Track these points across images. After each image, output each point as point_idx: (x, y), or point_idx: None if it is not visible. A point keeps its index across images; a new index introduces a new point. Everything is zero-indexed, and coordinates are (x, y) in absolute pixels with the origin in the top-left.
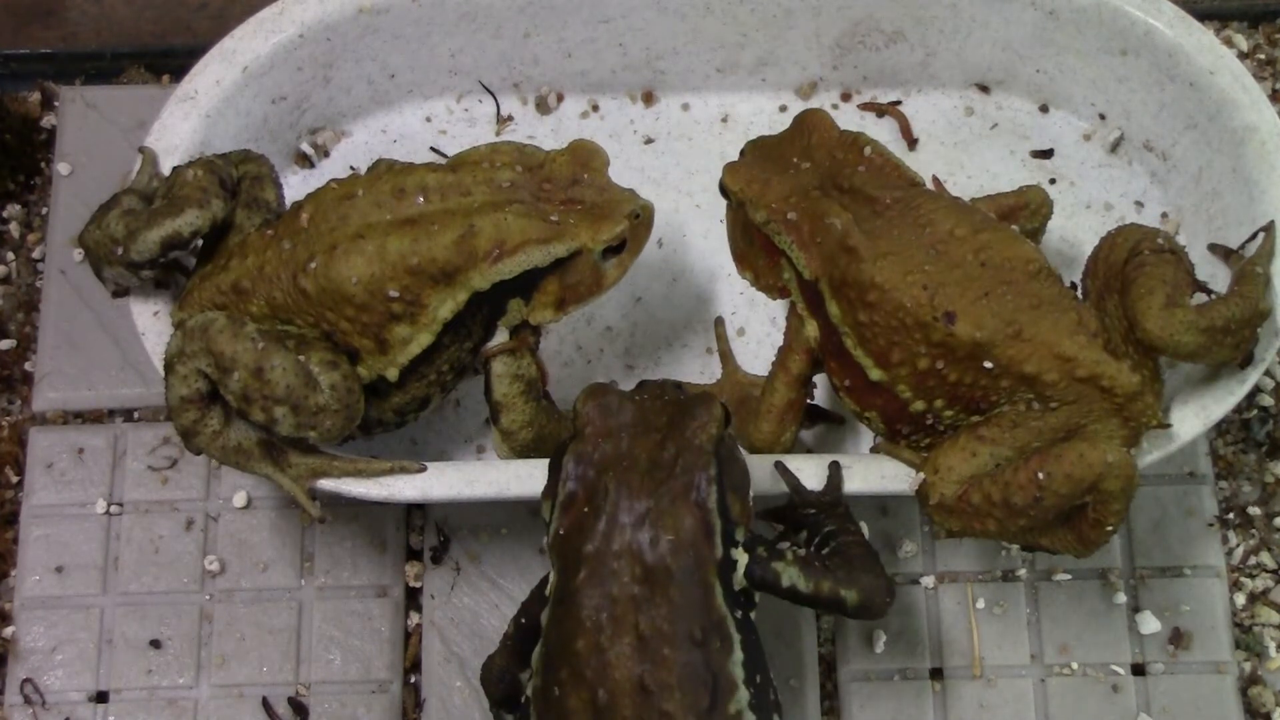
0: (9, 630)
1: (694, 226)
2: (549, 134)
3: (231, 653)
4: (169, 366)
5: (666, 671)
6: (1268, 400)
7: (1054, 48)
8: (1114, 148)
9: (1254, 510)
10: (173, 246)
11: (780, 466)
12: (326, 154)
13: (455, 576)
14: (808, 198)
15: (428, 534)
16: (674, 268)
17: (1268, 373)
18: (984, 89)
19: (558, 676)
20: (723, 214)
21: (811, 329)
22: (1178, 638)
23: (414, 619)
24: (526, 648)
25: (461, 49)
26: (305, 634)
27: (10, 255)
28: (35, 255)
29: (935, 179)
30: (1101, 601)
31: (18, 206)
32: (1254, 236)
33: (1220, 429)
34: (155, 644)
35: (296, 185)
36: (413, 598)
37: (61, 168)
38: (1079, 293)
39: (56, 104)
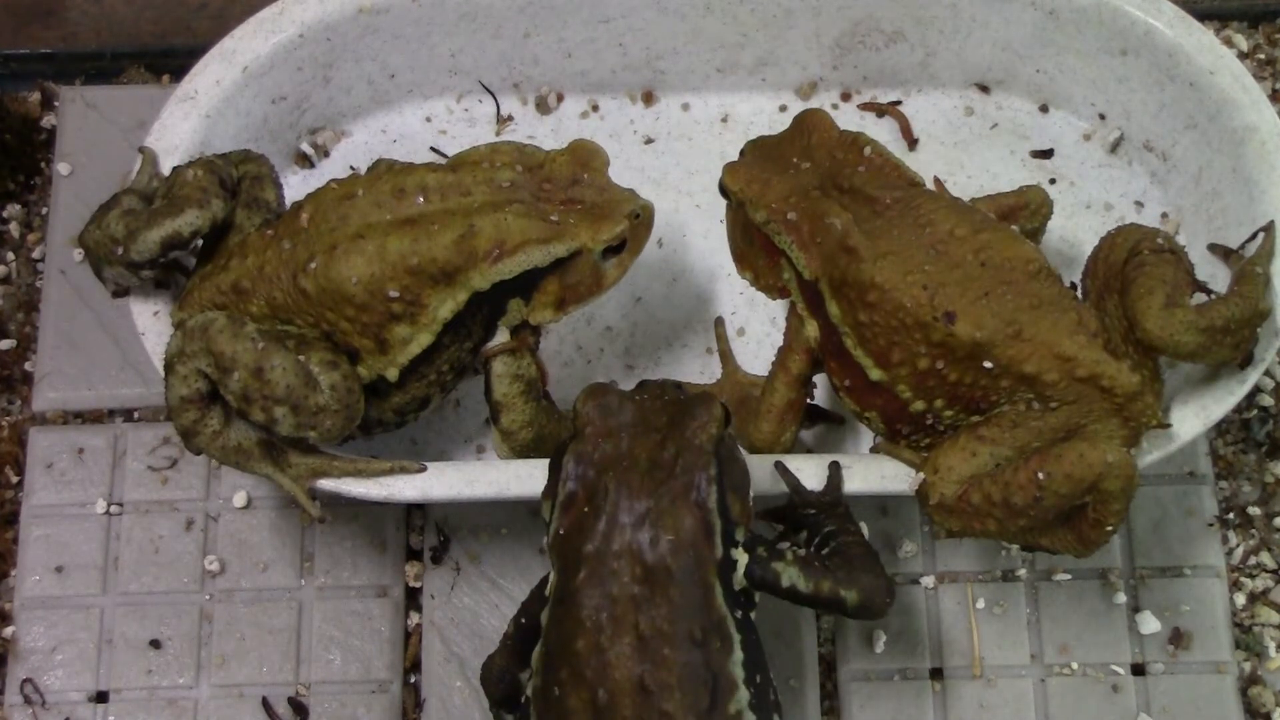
0: (9, 630)
1: (694, 226)
2: (549, 134)
3: (231, 653)
4: (169, 366)
5: (666, 671)
6: (1268, 400)
7: (1054, 48)
8: (1114, 148)
9: (1254, 510)
10: (173, 246)
11: (780, 466)
12: (326, 154)
13: (455, 576)
14: (808, 198)
15: (428, 534)
16: (674, 268)
17: (1268, 373)
18: (984, 89)
19: (558, 676)
20: (723, 214)
21: (811, 329)
22: (1178, 638)
23: (414, 619)
24: (526, 648)
25: (461, 49)
26: (305, 634)
27: (10, 255)
28: (35, 255)
29: (937, 180)
30: (1101, 601)
31: (18, 206)
32: (1254, 236)
33: (1220, 429)
34: (155, 644)
35: (296, 185)
36: (413, 598)
37: (61, 168)
38: (1079, 293)
39: (56, 104)
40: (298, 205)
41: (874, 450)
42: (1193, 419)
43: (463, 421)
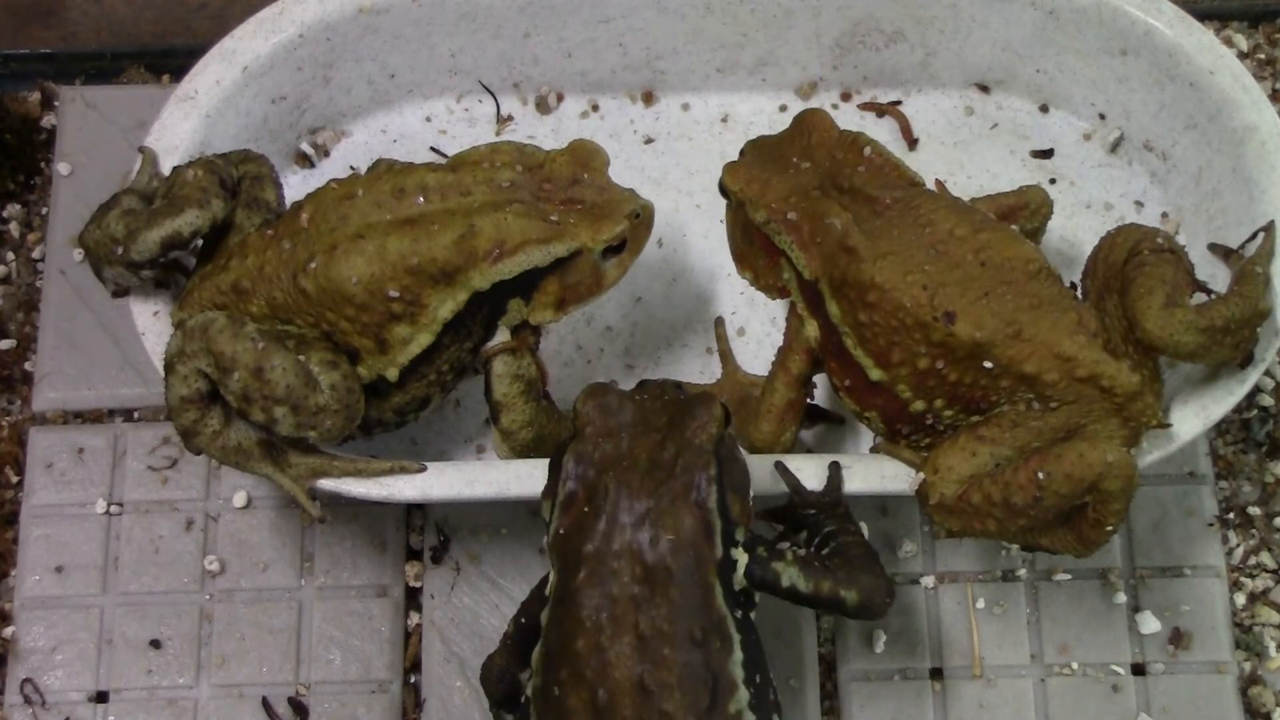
0: (9, 630)
1: (694, 226)
2: (549, 134)
3: (231, 653)
4: (169, 366)
5: (666, 671)
6: (1268, 400)
7: (1054, 48)
8: (1114, 148)
9: (1254, 510)
10: (173, 246)
11: (780, 466)
12: (326, 154)
13: (455, 576)
14: (808, 198)
15: (428, 534)
16: (674, 268)
17: (1268, 373)
18: (984, 89)
19: (558, 676)
20: (723, 214)
21: (811, 329)
22: (1178, 638)
23: (414, 619)
24: (526, 648)
25: (461, 49)
26: (305, 634)
27: (10, 255)
28: (35, 255)
29: (938, 181)
30: (1101, 601)
31: (18, 206)
32: (1254, 236)
33: (1220, 429)
34: (155, 644)
35: (296, 185)
36: (413, 598)
37: (61, 168)
38: (1079, 293)
39: (56, 104)
40: (298, 205)
41: (874, 450)
42: (1193, 419)
43: (463, 421)
